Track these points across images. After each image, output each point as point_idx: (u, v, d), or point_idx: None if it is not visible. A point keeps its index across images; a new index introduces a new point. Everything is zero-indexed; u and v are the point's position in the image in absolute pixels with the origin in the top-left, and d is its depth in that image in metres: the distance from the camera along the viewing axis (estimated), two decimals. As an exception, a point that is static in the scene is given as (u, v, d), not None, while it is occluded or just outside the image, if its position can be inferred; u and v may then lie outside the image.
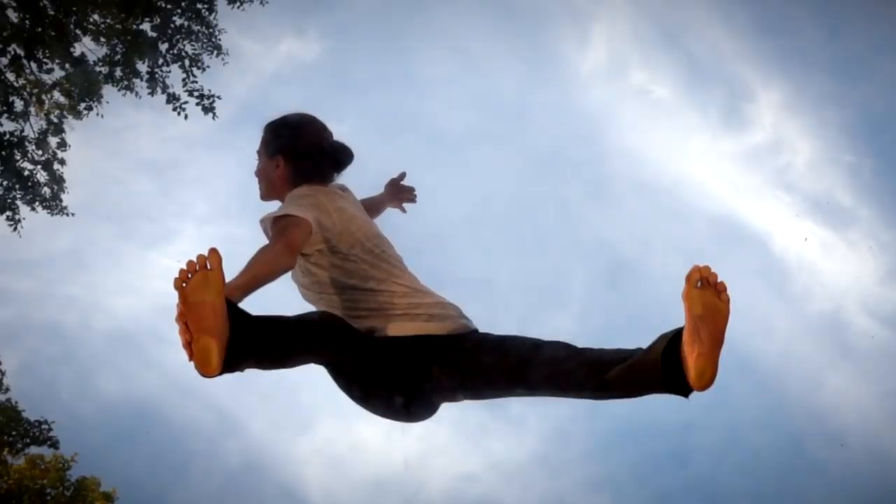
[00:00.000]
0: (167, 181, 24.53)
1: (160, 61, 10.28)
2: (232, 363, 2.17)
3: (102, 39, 10.35)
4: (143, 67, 10.49)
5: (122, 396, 24.02)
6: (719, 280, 1.96)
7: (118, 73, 10.43)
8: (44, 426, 13.77)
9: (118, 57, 10.34)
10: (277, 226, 2.47)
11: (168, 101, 10.30)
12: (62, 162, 10.94)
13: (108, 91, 10.65)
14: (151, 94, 10.35)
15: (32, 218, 10.74)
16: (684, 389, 2.06)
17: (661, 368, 2.08)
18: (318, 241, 2.52)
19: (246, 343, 2.17)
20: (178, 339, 2.11)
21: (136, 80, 10.50)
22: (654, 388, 2.14)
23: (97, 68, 10.40)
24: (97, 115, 10.79)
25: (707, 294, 1.95)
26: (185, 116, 10.25)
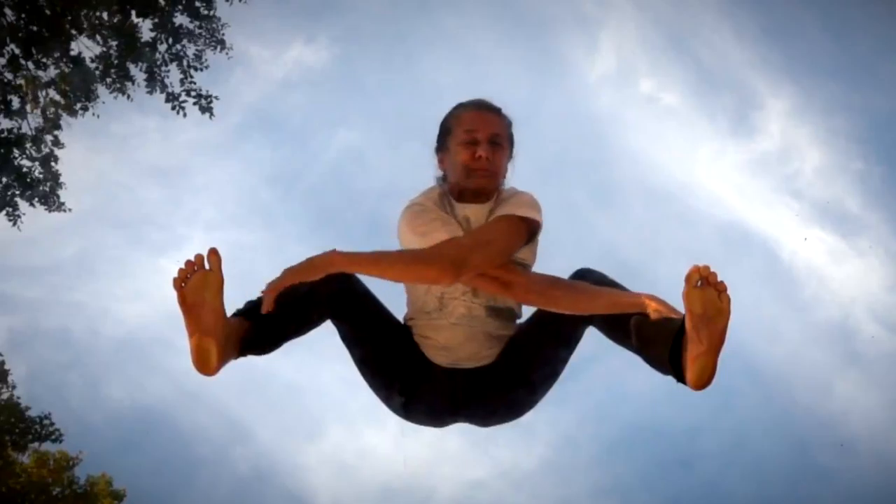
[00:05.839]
0: (175, 187, 24.60)
1: (159, 60, 10.30)
2: (245, 354, 2.27)
3: (98, 38, 10.35)
4: (136, 71, 10.50)
5: (130, 403, 24.04)
6: (719, 280, 1.95)
7: (112, 74, 10.43)
8: (45, 421, 13.83)
9: (113, 59, 10.35)
10: (524, 226, 2.39)
11: (167, 101, 10.31)
12: (56, 159, 10.93)
13: (109, 95, 10.69)
14: (150, 92, 10.37)
15: (40, 223, 10.78)
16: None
17: (669, 368, 2.09)
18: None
19: (258, 337, 2.26)
20: (186, 344, 2.15)
21: (129, 84, 10.50)
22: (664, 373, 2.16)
23: (93, 67, 10.40)
24: (93, 114, 10.81)
25: (707, 294, 1.94)
26: (185, 115, 10.25)
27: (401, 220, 2.46)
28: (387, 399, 2.50)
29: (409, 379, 2.44)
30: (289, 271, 2.16)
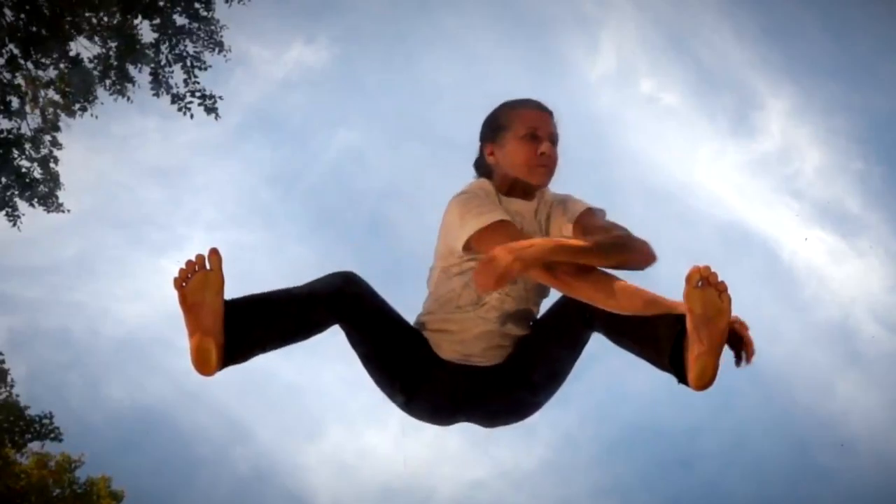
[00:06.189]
0: (175, 187, 24.61)
1: (163, 62, 10.31)
2: (233, 360, 2.24)
3: (97, 39, 10.37)
4: (136, 73, 10.54)
5: (130, 403, 24.06)
6: (720, 280, 1.96)
7: (112, 76, 10.45)
8: (45, 420, 13.83)
9: (112, 61, 10.36)
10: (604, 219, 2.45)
11: (173, 102, 10.35)
12: (56, 161, 10.97)
13: (109, 97, 10.70)
14: (156, 94, 10.41)
15: (40, 224, 10.79)
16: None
17: (670, 368, 2.09)
18: None
19: (243, 341, 2.22)
20: (186, 344, 2.15)
21: (129, 86, 10.55)
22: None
23: (92, 68, 10.43)
24: (91, 115, 10.85)
25: (708, 294, 1.95)
26: (192, 116, 10.31)
27: (451, 207, 2.42)
28: (391, 396, 2.50)
29: (410, 378, 2.44)
30: (510, 256, 2.10)
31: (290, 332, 2.33)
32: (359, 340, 2.45)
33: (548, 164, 2.46)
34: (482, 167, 2.56)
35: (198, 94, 10.31)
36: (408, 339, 2.45)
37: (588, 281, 2.18)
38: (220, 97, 10.34)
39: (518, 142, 2.46)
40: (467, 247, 2.32)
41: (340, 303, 2.32)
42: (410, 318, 2.54)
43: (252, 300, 2.27)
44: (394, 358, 2.45)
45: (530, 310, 2.49)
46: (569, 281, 2.21)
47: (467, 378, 2.43)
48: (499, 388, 2.44)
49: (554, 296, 2.50)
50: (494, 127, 2.53)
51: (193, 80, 10.37)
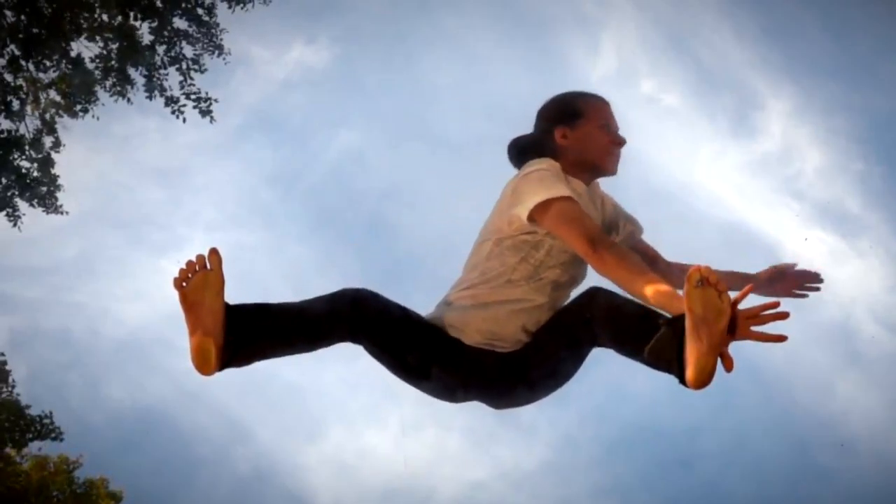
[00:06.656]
0: (175, 188, 24.59)
1: (158, 64, 10.30)
2: (233, 363, 2.25)
3: (97, 38, 10.36)
4: (136, 74, 10.54)
5: (130, 403, 24.06)
6: (719, 280, 1.94)
7: (112, 78, 10.46)
8: (45, 419, 13.82)
9: (112, 62, 10.35)
10: None
11: (167, 105, 10.32)
12: (52, 164, 10.96)
13: (109, 98, 10.70)
14: (150, 97, 10.39)
15: (40, 224, 10.79)
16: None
17: (669, 368, 2.09)
18: None
19: (245, 345, 2.23)
20: (186, 344, 2.16)
21: (129, 87, 10.54)
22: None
23: (93, 68, 10.44)
24: (93, 116, 10.86)
25: (708, 294, 1.94)
26: (184, 120, 10.29)
27: (528, 179, 2.48)
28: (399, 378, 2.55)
29: (417, 376, 2.47)
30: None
31: (292, 344, 2.35)
32: (367, 348, 2.47)
33: (619, 155, 2.65)
34: (545, 149, 2.64)
35: (192, 96, 10.28)
36: (419, 339, 2.46)
37: (625, 265, 2.22)
38: (216, 100, 10.33)
39: (598, 130, 2.62)
40: (531, 217, 2.40)
41: (344, 320, 2.35)
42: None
43: (257, 308, 2.29)
44: (402, 361, 2.47)
45: (568, 294, 2.55)
46: (606, 258, 2.24)
47: (480, 364, 2.44)
48: (504, 378, 2.45)
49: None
50: (571, 113, 2.66)
51: (189, 82, 10.35)
